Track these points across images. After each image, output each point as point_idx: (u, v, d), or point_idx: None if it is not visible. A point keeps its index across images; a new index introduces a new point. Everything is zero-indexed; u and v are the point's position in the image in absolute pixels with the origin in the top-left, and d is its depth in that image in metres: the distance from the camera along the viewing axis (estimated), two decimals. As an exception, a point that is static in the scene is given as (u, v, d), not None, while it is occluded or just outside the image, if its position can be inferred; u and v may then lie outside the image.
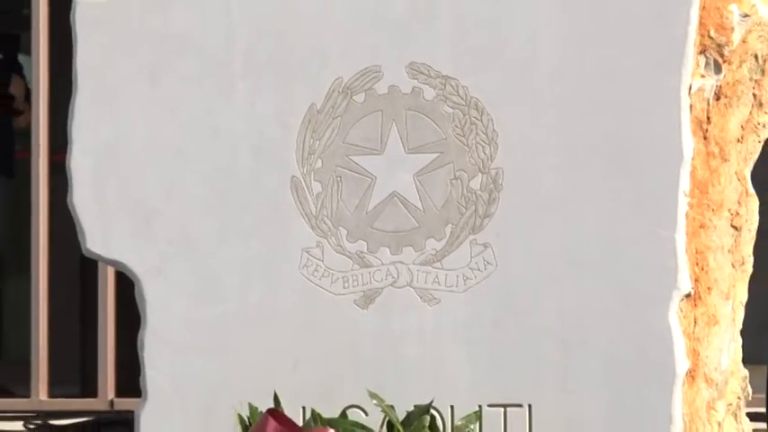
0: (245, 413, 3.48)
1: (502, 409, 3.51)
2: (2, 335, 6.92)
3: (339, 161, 3.62)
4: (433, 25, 3.60)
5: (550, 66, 3.57)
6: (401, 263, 3.58)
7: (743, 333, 3.56)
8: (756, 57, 3.54)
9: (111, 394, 5.27)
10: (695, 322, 3.50)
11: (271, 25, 3.67)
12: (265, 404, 3.46)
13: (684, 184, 3.49)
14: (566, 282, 3.53)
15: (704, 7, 3.51)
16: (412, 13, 3.61)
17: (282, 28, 3.66)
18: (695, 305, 3.50)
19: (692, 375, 3.49)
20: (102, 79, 3.75)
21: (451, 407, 3.50)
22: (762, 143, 3.58)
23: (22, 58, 7.13)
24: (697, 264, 3.50)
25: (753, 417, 3.51)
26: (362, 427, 3.45)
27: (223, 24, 3.69)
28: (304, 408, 3.50)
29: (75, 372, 5.87)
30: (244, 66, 3.67)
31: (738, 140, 3.54)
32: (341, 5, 3.64)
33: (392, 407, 3.46)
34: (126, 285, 3.82)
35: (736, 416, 3.57)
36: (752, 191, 3.55)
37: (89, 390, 5.46)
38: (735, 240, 3.53)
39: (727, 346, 3.54)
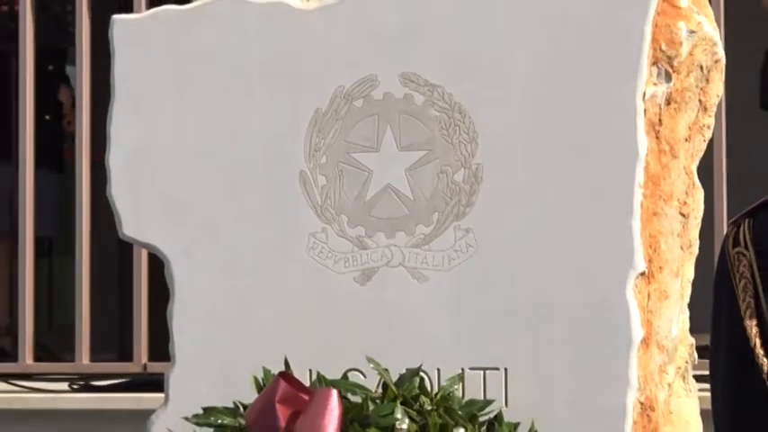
0: (261, 376, 3.49)
1: (481, 372, 3.51)
2: (52, 308, 6.90)
3: (341, 157, 3.62)
4: (422, 40, 3.60)
5: (523, 75, 3.56)
6: (394, 245, 3.58)
7: (690, 306, 3.56)
8: (701, 67, 3.54)
9: (144, 359, 5.26)
10: (649, 297, 3.50)
11: (282, 41, 3.67)
12: (277, 368, 3.45)
13: (639, 177, 3.48)
14: (537, 262, 3.52)
15: (657, 25, 3.50)
16: (404, 30, 3.61)
17: (292, 43, 3.66)
18: (649, 282, 3.50)
19: (646, 343, 3.49)
20: (136, 88, 3.75)
21: (438, 370, 3.50)
22: (706, 142, 3.58)
23: (68, 69, 7.12)
24: (650, 246, 3.50)
25: (698, 378, 3.51)
26: (361, 387, 3.44)
27: (241, 40, 3.69)
28: (310, 371, 3.49)
29: (113, 339, 5.87)
30: (259, 76, 3.67)
31: (686, 140, 3.54)
32: (342, 23, 3.64)
33: (387, 370, 3.45)
34: (157, 265, 3.83)
35: (684, 378, 3.57)
36: (698, 183, 3.55)
37: (125, 355, 5.45)
38: (683, 226, 3.53)
39: (676, 317, 3.53)
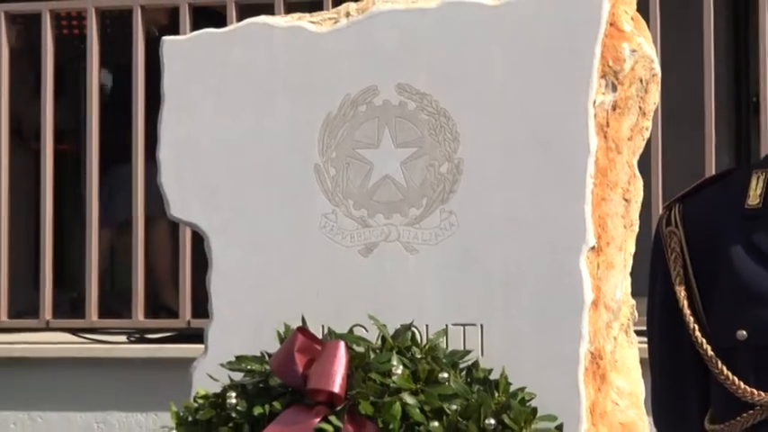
0: (283, 331, 3.50)
1: (462, 328, 3.51)
2: (114, 274, 6.89)
3: (348, 153, 3.61)
4: (414, 57, 3.59)
5: (497, 86, 3.55)
6: (391, 224, 3.58)
7: (631, 274, 3.56)
8: (641, 80, 3.53)
9: (188, 316, 5.25)
10: (598, 267, 3.50)
11: (300, 57, 3.66)
12: (296, 324, 3.46)
13: (590, 169, 3.48)
14: (508, 238, 3.52)
15: (605, 45, 3.50)
16: (399, 49, 3.60)
17: (308, 59, 3.66)
18: (598, 255, 3.50)
19: (595, 304, 3.49)
20: (182, 95, 3.75)
21: (426, 326, 3.50)
22: (645, 141, 3.58)
23: (126, 80, 7.13)
24: (599, 226, 3.50)
25: (638, 332, 3.52)
26: (364, 339, 3.45)
27: (267, 57, 3.68)
28: (323, 326, 3.49)
29: (164, 299, 5.87)
30: (281, 86, 3.67)
31: (629, 139, 3.54)
32: (349, 43, 3.63)
33: (385, 326, 3.46)
34: (198, 240, 3.83)
35: (626, 332, 3.57)
36: (638, 174, 3.54)
37: (173, 313, 5.45)
38: (626, 209, 3.53)
39: (620, 283, 3.53)
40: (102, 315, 5.52)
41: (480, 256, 3.53)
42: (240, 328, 3.60)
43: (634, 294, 3.54)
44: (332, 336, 3.46)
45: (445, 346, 3.46)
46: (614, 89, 3.51)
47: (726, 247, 2.78)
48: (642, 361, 3.42)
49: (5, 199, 5.57)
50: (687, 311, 2.80)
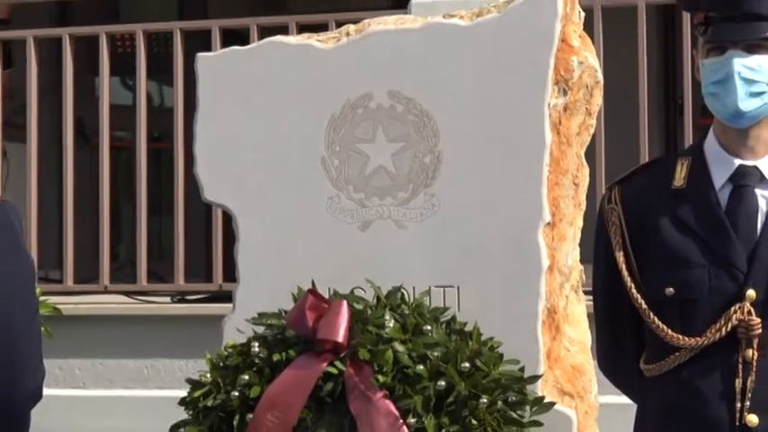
0: (296, 292, 3.50)
1: (442, 289, 3.49)
2: (161, 247, 6.90)
3: (348, 147, 3.60)
4: (402, 69, 3.57)
5: (470, 90, 3.54)
6: (384, 205, 3.56)
7: (580, 244, 3.56)
8: (587, 86, 3.52)
9: (220, 281, 5.26)
10: (552, 239, 3.49)
11: (308, 70, 3.65)
12: (307, 287, 3.45)
13: (546, 159, 3.47)
14: (479, 215, 3.51)
15: (557, 57, 3.49)
16: (389, 62, 3.58)
17: (315, 71, 3.64)
18: (552, 229, 3.49)
19: (551, 269, 3.48)
20: (213, 101, 3.73)
21: (413, 287, 3.49)
22: (590, 136, 3.57)
23: (167, 90, 7.13)
24: (553, 205, 3.49)
25: (585, 292, 3.51)
26: (362, 299, 3.44)
27: (281, 70, 3.67)
28: (329, 288, 3.48)
29: (200, 267, 5.88)
30: (294, 92, 3.65)
31: (577, 134, 3.53)
32: (349, 57, 3.62)
33: (379, 288, 3.45)
34: (227, 218, 3.83)
35: (576, 291, 3.56)
36: (585, 163, 3.53)
37: (208, 278, 5.45)
38: (575, 192, 3.52)
39: (570, 252, 3.52)
40: (149, 280, 5.52)
41: (457, 230, 3.52)
42: (262, 290, 3.58)
43: (582, 261, 3.53)
44: (336, 296, 3.46)
45: (428, 304, 3.46)
46: (565, 94, 3.50)
47: (656, 220, 2.78)
48: (588, 315, 3.42)
49: (71, 187, 5.57)
50: (625, 273, 2.81)
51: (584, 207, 3.54)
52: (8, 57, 5.95)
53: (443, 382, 3.27)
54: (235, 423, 3.38)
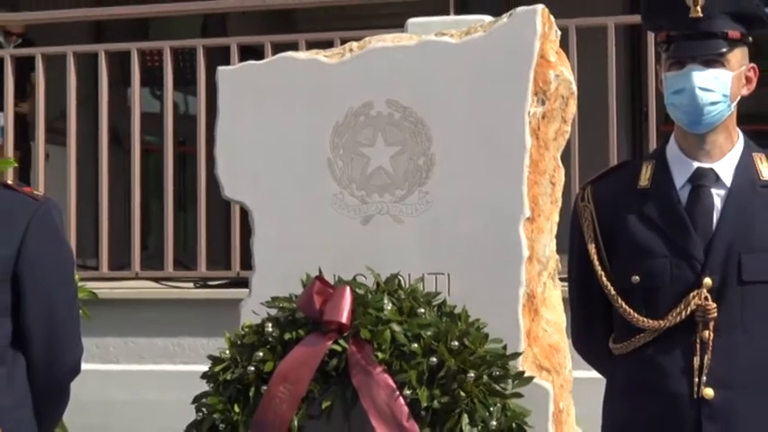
0: (305, 279, 3.49)
1: (434, 276, 3.49)
2: (185, 238, 6.89)
3: (351, 150, 3.59)
4: (399, 80, 3.57)
5: (459, 100, 3.53)
6: (383, 202, 3.56)
7: (556, 237, 3.55)
8: (563, 97, 3.51)
9: (238, 268, 5.25)
10: (532, 232, 3.48)
11: (316, 81, 3.64)
12: (315, 274, 3.45)
13: (526, 161, 3.46)
14: (468, 211, 3.50)
15: (537, 71, 3.48)
16: (388, 73, 3.58)
17: (322, 82, 3.63)
18: (532, 223, 3.48)
19: (530, 258, 3.47)
20: (231, 109, 3.73)
21: (408, 275, 3.48)
22: (566, 141, 3.56)
23: (190, 99, 7.13)
24: (533, 202, 3.48)
25: (561, 279, 3.51)
26: (363, 285, 3.44)
27: (292, 81, 3.66)
28: (334, 275, 3.47)
29: (220, 256, 5.86)
30: (303, 102, 3.64)
31: (554, 139, 3.52)
32: (352, 70, 3.61)
33: (379, 275, 3.45)
34: (244, 213, 3.82)
35: (552, 279, 3.55)
36: (561, 165, 3.52)
37: (227, 266, 5.44)
38: (552, 190, 3.51)
39: (548, 243, 3.51)
40: (175, 268, 5.51)
41: (448, 224, 3.51)
42: (274, 277, 3.57)
43: (558, 251, 3.53)
44: (340, 282, 3.45)
45: (422, 290, 3.45)
46: (543, 103, 3.49)
47: (623, 216, 2.78)
48: (563, 300, 3.41)
49: (106, 186, 5.56)
50: (596, 263, 2.80)
51: (560, 204, 3.53)
52: (31, 71, 5.94)
53: (435, 359, 3.27)
54: (250, 394, 3.38)
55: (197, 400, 3.46)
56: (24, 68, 6.11)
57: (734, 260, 2.67)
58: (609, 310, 2.81)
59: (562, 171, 3.54)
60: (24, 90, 6.16)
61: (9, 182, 3.87)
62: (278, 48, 4.92)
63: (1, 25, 6.64)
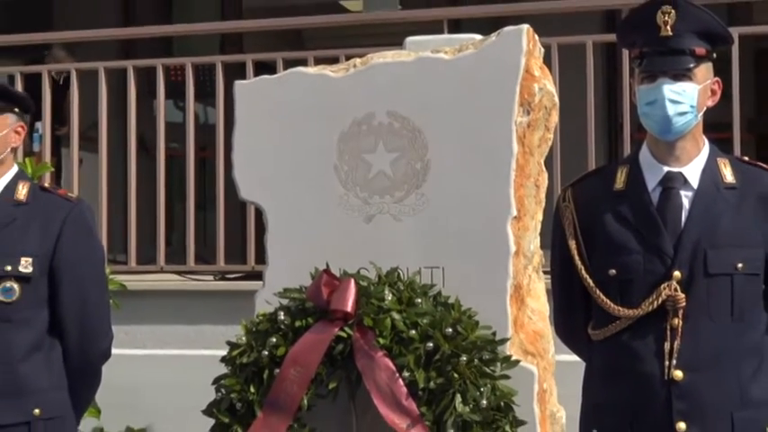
0: (314, 272, 3.48)
1: (430, 269, 3.48)
2: (205, 235, 6.87)
3: (356, 156, 3.58)
4: (398, 93, 3.56)
5: (453, 111, 3.52)
6: (384, 202, 3.55)
7: (540, 234, 3.55)
8: (546, 107, 3.51)
9: (252, 263, 5.24)
10: (518, 229, 3.47)
11: (324, 93, 3.63)
12: (322, 267, 3.44)
13: (513, 166, 3.46)
14: (460, 211, 3.49)
15: (522, 85, 3.47)
16: (389, 87, 3.57)
17: (329, 95, 3.63)
18: (518, 221, 3.48)
19: (517, 253, 3.47)
20: (247, 119, 3.72)
21: (407, 268, 3.47)
22: (549, 147, 3.56)
23: (210, 110, 7.11)
24: (519, 203, 3.47)
25: (545, 272, 3.50)
26: (366, 278, 3.43)
27: (302, 94, 3.66)
28: (339, 269, 3.46)
29: (237, 252, 5.85)
30: (313, 112, 3.64)
31: (538, 146, 3.52)
32: (356, 83, 3.60)
33: (380, 268, 3.44)
34: (259, 213, 3.82)
35: (537, 271, 3.55)
36: (544, 169, 3.51)
37: (243, 260, 5.43)
38: (536, 192, 3.50)
39: (533, 240, 3.51)
40: (197, 262, 5.50)
41: (442, 222, 3.51)
42: (286, 270, 3.57)
43: (541, 247, 3.53)
44: (345, 275, 3.45)
45: (419, 282, 3.45)
46: (528, 113, 3.49)
47: (601, 215, 2.78)
48: (547, 291, 3.41)
49: (134, 188, 5.56)
50: (576, 257, 2.80)
51: (543, 204, 3.52)
52: (65, 84, 5.94)
53: (431, 344, 3.28)
54: (264, 376, 3.38)
55: (216, 381, 3.46)
56: (60, 85, 6.09)
57: (700, 255, 2.67)
58: (588, 300, 2.81)
59: (545, 175, 3.53)
60: (62, 110, 6.15)
61: (46, 185, 3.86)
62: (289, 63, 4.90)
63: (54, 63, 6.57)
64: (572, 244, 2.81)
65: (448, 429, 3.20)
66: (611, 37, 4.70)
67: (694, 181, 2.73)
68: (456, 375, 3.24)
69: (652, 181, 2.75)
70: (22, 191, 3.09)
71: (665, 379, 2.64)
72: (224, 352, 3.48)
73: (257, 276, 4.30)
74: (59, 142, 6.53)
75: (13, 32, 5.93)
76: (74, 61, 6.10)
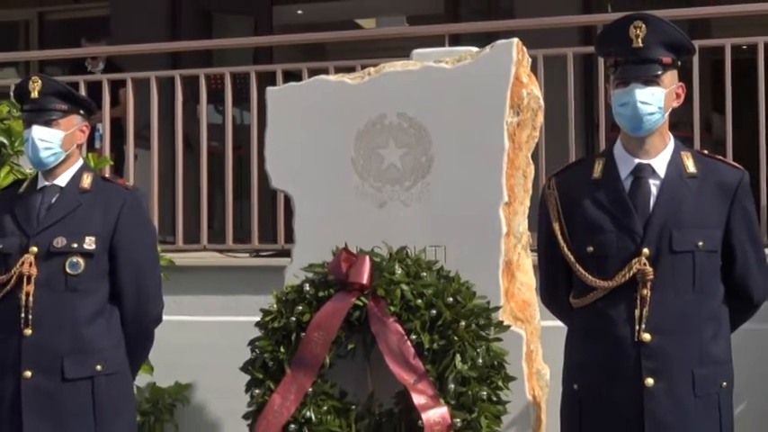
0: (334, 250, 3.48)
1: (434, 248, 3.47)
2: (242, 219, 6.85)
3: (370, 151, 3.58)
4: (407, 97, 3.56)
5: (453, 112, 3.51)
6: (394, 191, 3.54)
7: (528, 217, 3.53)
8: (533, 109, 3.49)
9: (282, 242, 5.22)
10: (509, 213, 3.46)
11: (342, 98, 3.63)
12: (342, 246, 3.44)
13: (505, 159, 3.45)
14: (460, 197, 3.48)
15: (512, 90, 3.45)
16: (399, 91, 3.56)
17: (347, 99, 3.62)
18: (509, 206, 3.47)
19: (508, 234, 3.46)
20: (277, 120, 3.72)
21: (414, 247, 3.46)
22: (535, 143, 3.54)
23: (246, 115, 7.10)
24: (510, 190, 3.46)
25: (532, 250, 3.49)
26: (379, 255, 3.43)
27: (324, 99, 3.65)
28: (356, 247, 3.46)
29: (269, 233, 5.84)
30: (333, 114, 3.63)
31: (526, 142, 3.50)
32: (370, 89, 3.59)
33: (392, 247, 3.44)
34: (287, 200, 3.81)
35: (525, 249, 3.54)
36: (531, 162, 3.51)
37: (275, 240, 5.40)
38: (524, 181, 3.49)
39: (521, 222, 3.50)
40: (235, 242, 5.50)
41: (445, 207, 3.50)
42: (311, 248, 3.57)
43: (529, 228, 3.52)
44: (362, 252, 3.45)
45: (425, 258, 3.44)
46: (518, 114, 3.48)
47: (581, 200, 2.77)
48: (533, 266, 3.40)
49: (181, 180, 5.56)
50: (559, 237, 2.80)
51: (530, 192, 3.51)
52: (116, 94, 5.94)
53: (435, 311, 3.28)
54: (293, 339, 3.39)
55: (251, 343, 3.47)
56: (114, 86, 6.10)
57: (666, 234, 2.67)
58: (569, 273, 2.81)
59: (532, 167, 3.52)
60: (116, 98, 6.22)
61: (107, 175, 3.87)
62: (313, 72, 4.89)
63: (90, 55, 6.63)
64: (556, 226, 2.80)
65: (449, 384, 3.21)
66: (589, 49, 4.68)
67: (661, 171, 2.73)
68: (456, 338, 3.24)
69: (625, 171, 2.74)
70: (87, 180, 3.11)
71: (635, 341, 2.64)
72: (258, 318, 3.49)
73: (286, 254, 4.30)
74: (118, 140, 6.53)
75: (79, 47, 5.92)
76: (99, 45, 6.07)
